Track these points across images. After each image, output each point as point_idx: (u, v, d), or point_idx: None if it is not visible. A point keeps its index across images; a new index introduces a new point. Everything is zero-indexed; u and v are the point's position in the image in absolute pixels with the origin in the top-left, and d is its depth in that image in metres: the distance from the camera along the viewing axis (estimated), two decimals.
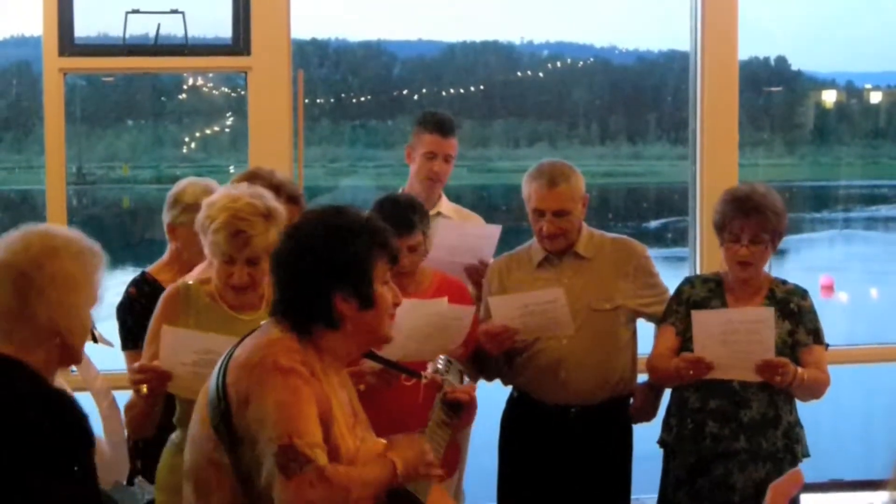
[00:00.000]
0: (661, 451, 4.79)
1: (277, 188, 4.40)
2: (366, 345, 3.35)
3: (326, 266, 3.09)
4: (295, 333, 3.10)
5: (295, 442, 2.88)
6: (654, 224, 18.00)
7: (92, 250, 3.11)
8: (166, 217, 4.69)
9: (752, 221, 4.49)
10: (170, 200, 4.70)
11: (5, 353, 2.94)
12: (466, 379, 3.81)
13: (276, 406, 2.93)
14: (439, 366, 3.99)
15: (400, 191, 5.26)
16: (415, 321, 4.31)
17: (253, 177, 4.45)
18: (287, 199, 4.39)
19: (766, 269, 4.67)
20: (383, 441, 3.30)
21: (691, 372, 4.37)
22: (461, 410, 3.80)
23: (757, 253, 4.52)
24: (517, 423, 4.87)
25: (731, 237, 4.53)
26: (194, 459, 3.10)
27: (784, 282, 4.69)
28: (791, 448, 4.57)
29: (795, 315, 4.58)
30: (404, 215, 4.47)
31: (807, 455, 4.65)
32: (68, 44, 5.83)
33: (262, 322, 3.23)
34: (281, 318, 3.13)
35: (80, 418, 2.97)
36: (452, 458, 4.77)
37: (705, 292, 4.66)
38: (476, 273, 4.98)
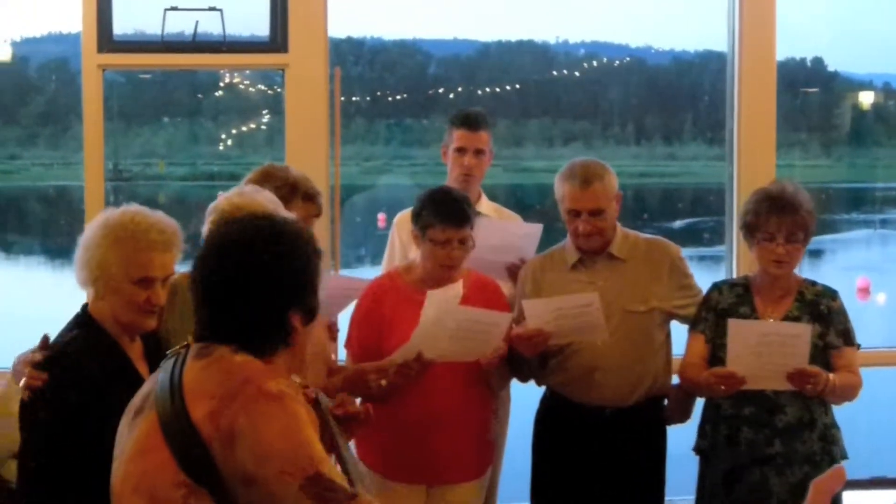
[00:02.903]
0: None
1: (293, 186, 4.37)
2: (298, 361, 2.95)
3: (286, 281, 2.79)
4: (252, 355, 2.76)
5: (321, 470, 2.62)
6: (678, 224, 18.00)
7: (128, 230, 3.46)
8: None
9: (788, 219, 4.46)
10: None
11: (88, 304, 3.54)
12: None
13: (283, 436, 2.61)
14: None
15: None
16: (438, 312, 4.31)
17: (268, 175, 4.42)
18: (303, 196, 4.38)
19: (795, 270, 4.64)
20: None
21: (723, 387, 4.35)
22: (350, 426, 3.40)
23: (792, 251, 4.49)
24: (551, 423, 4.85)
25: (766, 236, 4.49)
26: None
27: (813, 283, 4.66)
28: (828, 450, 4.53)
29: (825, 317, 4.55)
30: (459, 207, 4.48)
31: (845, 457, 4.61)
32: (107, 40, 5.86)
33: (188, 347, 2.83)
34: (229, 342, 2.76)
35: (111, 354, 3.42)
36: (485, 455, 4.79)
37: (733, 298, 4.63)
38: (517, 272, 4.97)
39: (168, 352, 2.88)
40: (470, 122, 5.25)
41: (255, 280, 2.76)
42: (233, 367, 2.71)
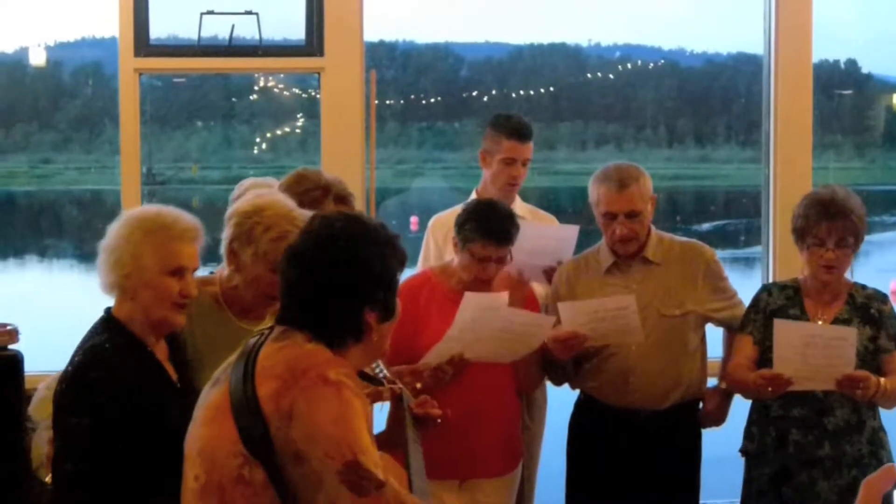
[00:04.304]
0: (732, 457, 4.76)
1: (326, 188, 4.39)
2: (373, 356, 3.18)
3: (363, 280, 2.95)
4: (324, 345, 2.92)
5: (360, 459, 2.75)
6: (706, 226, 17.92)
7: (157, 222, 3.47)
8: None
9: (839, 225, 4.44)
10: (234, 202, 4.72)
11: (112, 308, 3.50)
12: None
13: (333, 421, 2.77)
14: (386, 373, 3.73)
15: (473, 193, 5.26)
16: (475, 316, 4.32)
17: (301, 178, 4.44)
18: (335, 198, 4.39)
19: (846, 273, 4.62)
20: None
21: (770, 389, 4.33)
22: (426, 425, 3.51)
23: (842, 256, 4.47)
24: (585, 426, 4.86)
25: (816, 241, 4.47)
26: (213, 478, 2.85)
27: (864, 286, 4.64)
28: (876, 453, 4.51)
29: (876, 320, 4.53)
30: (503, 227, 4.49)
31: (891, 460, 4.59)
32: (144, 44, 5.89)
33: (273, 329, 3.00)
34: (304, 329, 2.94)
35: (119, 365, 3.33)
36: (515, 451, 4.82)
37: (783, 300, 4.62)
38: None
39: (255, 329, 3.11)
40: (521, 133, 5.21)
41: (335, 276, 2.93)
42: (302, 353, 2.88)
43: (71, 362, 3.40)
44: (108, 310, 3.51)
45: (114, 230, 3.48)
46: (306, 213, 3.72)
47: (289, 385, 2.79)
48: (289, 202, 3.85)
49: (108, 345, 3.37)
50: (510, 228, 4.50)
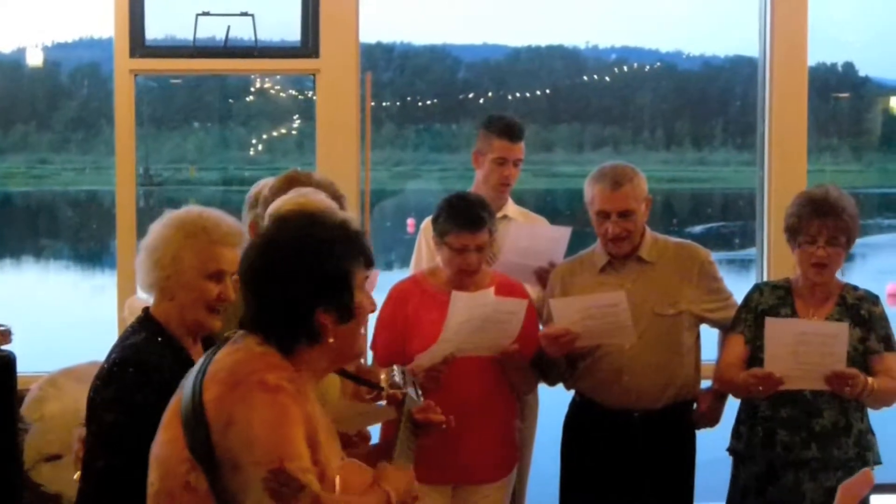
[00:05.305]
0: (726, 458, 4.75)
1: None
2: (340, 359, 3.06)
3: (310, 281, 2.86)
4: (275, 348, 2.86)
5: (286, 466, 2.69)
6: (699, 228, 17.96)
7: (199, 225, 3.44)
8: (247, 217, 4.71)
9: (830, 223, 4.44)
10: (250, 200, 4.73)
11: (150, 308, 3.49)
12: (419, 391, 3.65)
13: (264, 427, 2.71)
14: (396, 378, 3.68)
15: None
16: (467, 315, 4.32)
17: (292, 180, 4.43)
18: None
19: (837, 274, 4.62)
20: (355, 461, 3.08)
21: (760, 388, 4.33)
22: (427, 432, 3.47)
23: (833, 255, 4.47)
24: (580, 427, 4.85)
25: (808, 239, 4.47)
26: (164, 484, 2.82)
27: (855, 287, 4.64)
28: (863, 456, 4.51)
29: (867, 322, 4.53)
30: (474, 213, 4.50)
31: (878, 462, 4.59)
32: (139, 45, 5.89)
33: (233, 333, 2.97)
34: (257, 333, 2.89)
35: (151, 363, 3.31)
36: (510, 456, 4.80)
37: (774, 300, 4.62)
38: (546, 276, 4.97)
39: (225, 335, 3.02)
40: (512, 133, 5.23)
41: (283, 277, 2.86)
42: (247, 357, 2.83)
43: (108, 359, 3.40)
44: (146, 309, 3.51)
45: (155, 230, 3.48)
46: (350, 214, 3.73)
47: (230, 389, 2.75)
48: (331, 203, 3.89)
49: (145, 343, 3.38)
50: (482, 213, 4.52)
